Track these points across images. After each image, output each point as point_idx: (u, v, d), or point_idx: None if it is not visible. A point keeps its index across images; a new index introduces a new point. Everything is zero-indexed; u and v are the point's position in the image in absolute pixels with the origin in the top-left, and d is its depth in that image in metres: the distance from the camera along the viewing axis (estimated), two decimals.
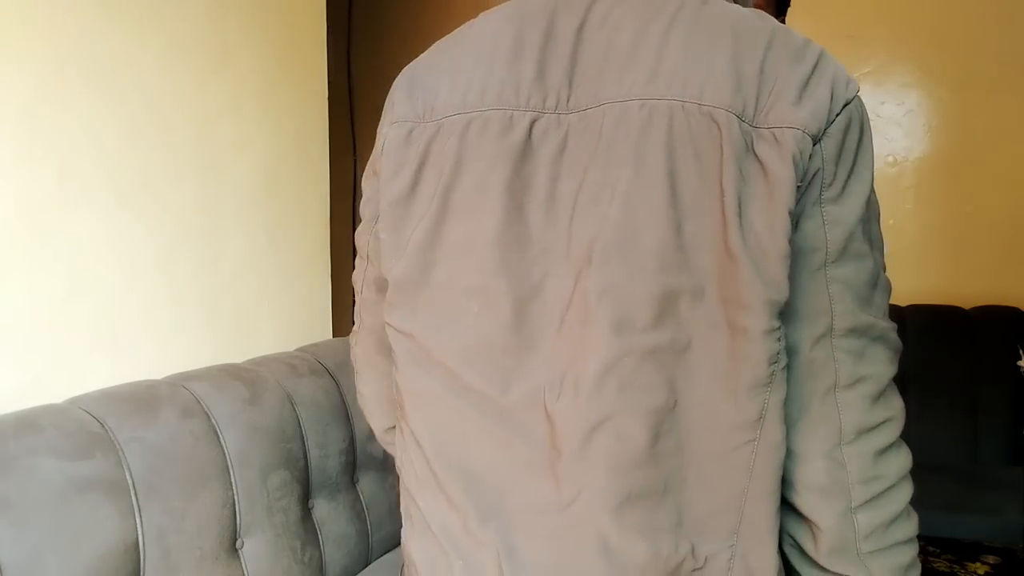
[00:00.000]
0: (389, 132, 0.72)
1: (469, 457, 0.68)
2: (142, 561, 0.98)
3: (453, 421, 0.69)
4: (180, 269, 1.35)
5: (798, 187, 0.59)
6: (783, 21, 1.29)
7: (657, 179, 0.60)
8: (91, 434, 0.99)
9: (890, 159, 2.98)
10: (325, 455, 1.30)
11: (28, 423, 0.96)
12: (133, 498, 0.99)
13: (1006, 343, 2.71)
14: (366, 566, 1.41)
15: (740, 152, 0.59)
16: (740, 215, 0.59)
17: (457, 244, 0.67)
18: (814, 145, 0.60)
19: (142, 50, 1.27)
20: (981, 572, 2.37)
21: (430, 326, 0.69)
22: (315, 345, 1.51)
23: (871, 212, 0.63)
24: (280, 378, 1.29)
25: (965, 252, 2.95)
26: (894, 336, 0.64)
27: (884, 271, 0.66)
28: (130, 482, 0.99)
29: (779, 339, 0.60)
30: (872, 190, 0.63)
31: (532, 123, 0.65)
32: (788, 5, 1.28)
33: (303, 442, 1.27)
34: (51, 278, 1.14)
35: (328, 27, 1.76)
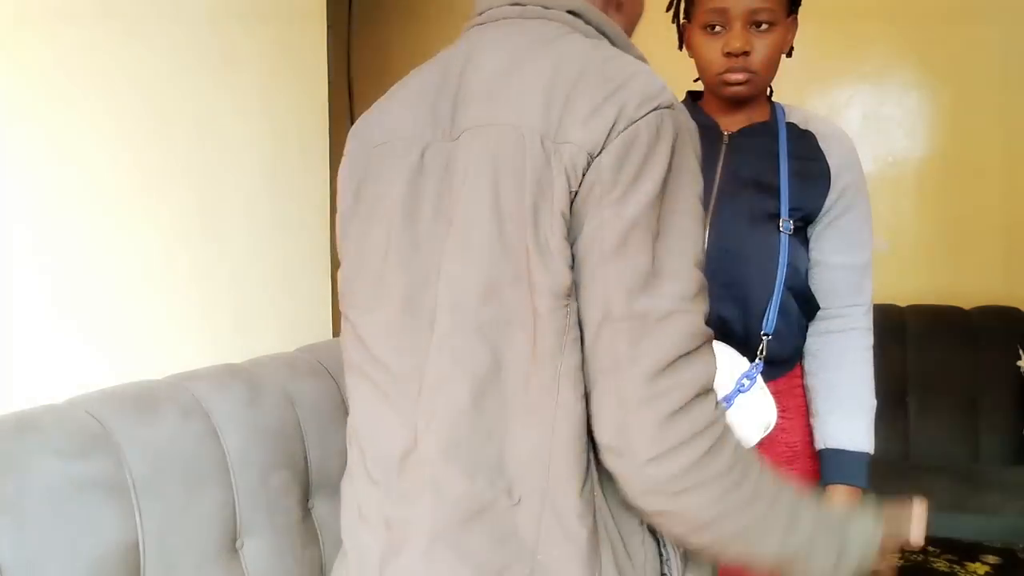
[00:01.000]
0: (341, 166, 0.92)
1: (371, 414, 0.86)
2: (142, 561, 0.99)
3: (365, 387, 0.87)
4: (180, 269, 1.35)
5: (574, 193, 0.73)
6: (795, 20, 1.28)
7: (486, 191, 0.76)
8: (91, 434, 0.99)
9: (890, 159, 2.98)
10: (325, 455, 1.30)
11: (28, 423, 0.96)
12: (133, 498, 0.99)
13: (1006, 343, 2.71)
14: None
15: (540, 165, 0.73)
16: (535, 217, 0.73)
17: (374, 244, 0.85)
18: (593, 159, 0.72)
19: (143, 50, 1.27)
20: (981, 572, 2.37)
21: (359, 310, 0.87)
22: (315, 345, 1.51)
23: (666, 210, 0.74)
24: (280, 378, 1.29)
25: (965, 252, 2.95)
26: (683, 316, 0.74)
27: (686, 261, 0.75)
28: (130, 482, 0.99)
29: (566, 316, 0.74)
30: (664, 193, 0.74)
31: (424, 149, 0.82)
32: (799, 4, 1.28)
33: (303, 442, 1.27)
34: (51, 278, 1.14)
35: (328, 27, 1.76)
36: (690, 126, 0.78)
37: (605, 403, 0.75)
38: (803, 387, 1.37)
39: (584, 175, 0.73)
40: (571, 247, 0.74)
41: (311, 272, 1.69)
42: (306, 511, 1.27)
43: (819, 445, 1.32)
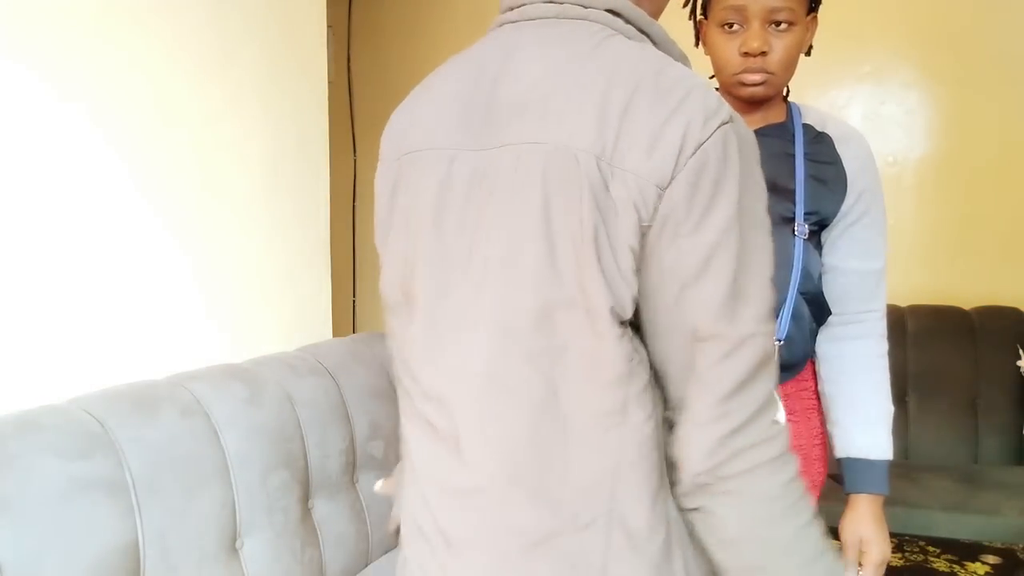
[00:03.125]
0: (377, 169, 0.89)
1: (416, 433, 0.84)
2: (142, 561, 0.99)
3: (407, 402, 0.85)
4: (180, 269, 1.35)
5: (646, 226, 0.70)
6: (814, 19, 1.26)
7: (535, 210, 0.72)
8: (91, 434, 0.99)
9: (890, 159, 2.98)
10: (325, 455, 1.30)
11: (28, 423, 0.96)
12: (133, 498, 0.99)
13: (1006, 343, 2.70)
14: (366, 566, 1.41)
15: (597, 189, 0.70)
16: (596, 241, 0.70)
17: (404, 257, 0.82)
18: (663, 191, 0.69)
19: (143, 50, 1.27)
20: (981, 572, 2.38)
21: (399, 324, 0.85)
22: (315, 345, 1.51)
23: (743, 229, 0.72)
24: (280, 378, 1.29)
25: (965, 252, 2.94)
26: (760, 341, 0.73)
27: (763, 279, 0.74)
28: (130, 482, 0.99)
29: (631, 339, 0.73)
30: (739, 212, 0.71)
31: (453, 160, 0.78)
32: (819, 3, 1.26)
33: (303, 442, 1.27)
34: (51, 278, 1.14)
35: (328, 27, 1.76)
36: (749, 136, 0.75)
37: (680, 420, 0.75)
38: (812, 391, 1.37)
39: (656, 209, 0.70)
40: (638, 277, 0.72)
41: (311, 272, 1.69)
42: (306, 511, 1.27)
43: (840, 453, 1.31)
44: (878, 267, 1.32)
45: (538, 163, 0.73)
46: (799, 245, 1.23)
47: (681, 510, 0.79)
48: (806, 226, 1.24)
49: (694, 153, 0.69)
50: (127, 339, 1.25)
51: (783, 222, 1.25)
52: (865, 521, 1.28)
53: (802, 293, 1.25)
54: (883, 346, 1.33)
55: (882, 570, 1.29)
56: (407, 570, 0.89)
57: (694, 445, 0.74)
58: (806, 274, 1.25)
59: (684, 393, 0.75)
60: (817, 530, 0.78)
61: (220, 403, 1.16)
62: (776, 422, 0.76)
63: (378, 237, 0.90)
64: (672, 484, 0.78)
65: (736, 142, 0.72)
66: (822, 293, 1.30)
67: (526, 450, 0.76)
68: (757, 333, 0.73)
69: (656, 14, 0.88)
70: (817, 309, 1.30)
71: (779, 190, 1.25)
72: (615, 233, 0.71)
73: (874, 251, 1.31)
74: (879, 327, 1.33)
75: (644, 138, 0.70)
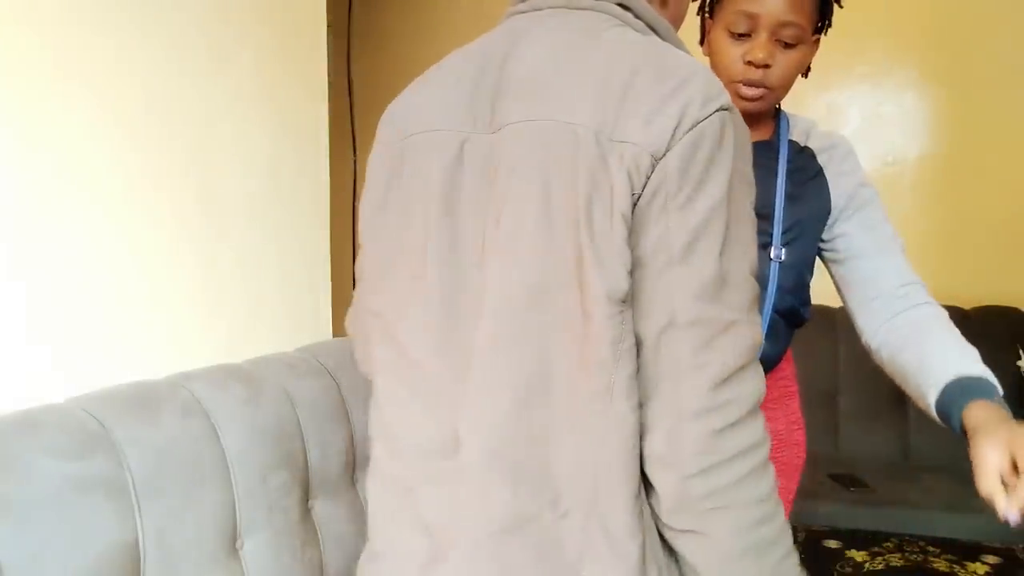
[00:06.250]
0: (372, 152, 0.89)
1: (406, 416, 0.83)
2: (142, 561, 0.99)
3: (398, 386, 0.84)
4: (180, 269, 1.35)
5: (637, 196, 0.70)
6: (817, 41, 1.25)
7: (535, 188, 0.72)
8: (91, 434, 0.99)
9: (890, 159, 2.98)
10: (325, 455, 1.30)
11: (28, 423, 0.96)
12: (133, 498, 0.99)
13: (1006, 343, 2.71)
14: None
15: (594, 163, 0.70)
16: (590, 217, 0.70)
17: (409, 240, 0.81)
18: (657, 161, 0.69)
19: (142, 50, 1.27)
20: (981, 572, 2.38)
21: (392, 308, 0.84)
22: (315, 345, 1.51)
23: (730, 216, 0.72)
24: (280, 378, 1.29)
25: (965, 252, 2.95)
26: (745, 329, 0.72)
27: (745, 270, 0.73)
28: (130, 482, 0.99)
29: (622, 323, 0.71)
30: (728, 198, 0.71)
31: (463, 142, 0.78)
32: (828, 26, 1.25)
33: (303, 442, 1.27)
34: (51, 278, 1.14)
35: (328, 27, 1.76)
36: (745, 131, 0.75)
37: (661, 411, 0.71)
38: (790, 379, 1.38)
39: (648, 178, 0.69)
40: (630, 251, 0.71)
41: (311, 272, 1.70)
42: (306, 511, 1.27)
43: (941, 385, 1.10)
44: (901, 246, 1.26)
45: (539, 140, 0.73)
46: (774, 268, 1.22)
47: (663, 536, 0.76)
48: (783, 250, 1.22)
49: (691, 129, 0.70)
50: (127, 339, 1.25)
51: (760, 247, 1.22)
52: (1010, 426, 0.96)
53: (776, 310, 1.25)
54: (941, 309, 1.21)
55: None
56: (375, 566, 0.88)
57: (687, 442, 0.70)
58: (780, 294, 1.23)
59: (655, 388, 0.72)
60: (787, 522, 0.77)
61: (220, 403, 1.16)
62: (766, 426, 0.74)
63: (364, 218, 0.88)
64: (651, 503, 0.75)
65: (732, 131, 0.72)
66: (796, 301, 1.28)
67: (514, 425, 0.74)
68: (742, 320, 0.71)
69: (674, 22, 0.89)
70: (792, 317, 1.29)
71: (758, 215, 1.23)
72: (609, 206, 0.70)
73: (888, 234, 1.27)
74: (928, 296, 1.23)
75: (644, 112, 0.70)
